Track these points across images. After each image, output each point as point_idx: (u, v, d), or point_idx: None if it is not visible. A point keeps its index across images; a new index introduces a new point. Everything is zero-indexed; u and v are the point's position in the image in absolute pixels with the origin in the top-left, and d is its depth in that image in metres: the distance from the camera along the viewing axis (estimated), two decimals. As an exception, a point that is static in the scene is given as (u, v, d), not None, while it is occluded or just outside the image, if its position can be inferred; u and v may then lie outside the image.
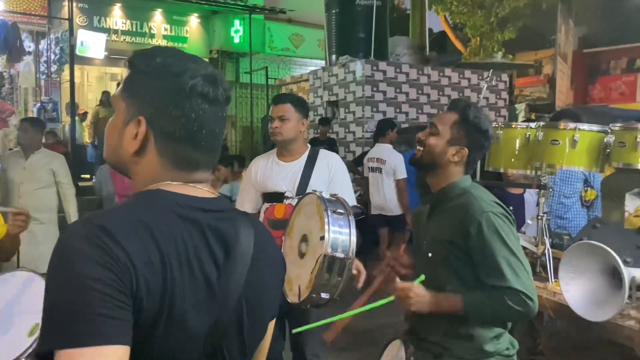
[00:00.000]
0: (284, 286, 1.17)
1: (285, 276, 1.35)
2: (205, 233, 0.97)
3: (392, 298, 1.97)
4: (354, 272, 2.43)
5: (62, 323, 0.83)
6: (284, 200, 2.80)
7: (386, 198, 6.15)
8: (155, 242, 0.89)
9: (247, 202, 2.99)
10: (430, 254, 1.97)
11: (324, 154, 2.93)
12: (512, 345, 1.99)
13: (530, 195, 4.15)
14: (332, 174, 2.84)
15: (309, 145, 2.97)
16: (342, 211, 2.33)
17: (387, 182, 6.10)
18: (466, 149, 1.95)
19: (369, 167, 6.34)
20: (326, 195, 2.42)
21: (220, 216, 1.01)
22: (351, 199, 2.84)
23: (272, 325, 1.18)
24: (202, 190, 1.02)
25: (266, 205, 2.86)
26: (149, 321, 0.88)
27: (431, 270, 1.97)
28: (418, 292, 1.90)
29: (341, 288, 2.32)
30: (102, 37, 12.22)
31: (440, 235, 1.93)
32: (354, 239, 2.29)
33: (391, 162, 6.06)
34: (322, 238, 2.26)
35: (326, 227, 2.29)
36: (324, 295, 2.31)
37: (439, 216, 2.00)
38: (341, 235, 2.28)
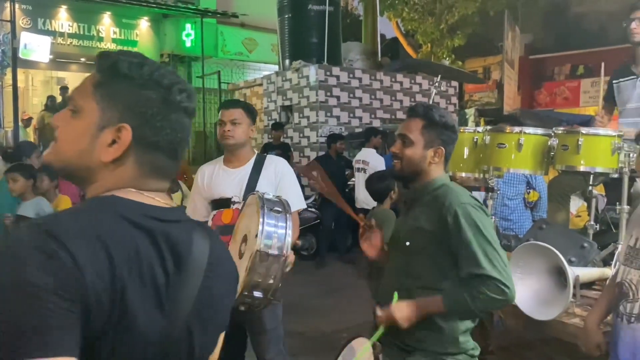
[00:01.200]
0: None
1: None
2: (158, 242, 0.95)
3: (382, 331, 1.96)
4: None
5: (6, 336, 0.78)
6: (231, 206, 2.78)
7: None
8: (105, 249, 0.86)
9: (192, 210, 2.96)
10: (408, 243, 2.00)
11: (271, 160, 2.94)
12: (475, 346, 2.04)
13: (475, 198, 4.24)
14: (279, 179, 2.84)
15: (256, 152, 2.98)
16: (279, 209, 2.32)
17: None
18: (442, 148, 2.01)
19: (356, 168, 7.39)
20: (268, 195, 2.41)
21: (176, 226, 1.00)
22: (299, 203, 2.87)
23: (221, 337, 1.16)
24: (158, 200, 1.01)
25: (214, 212, 2.83)
26: (97, 328, 0.85)
27: (408, 259, 2.00)
28: (400, 310, 1.92)
29: (275, 287, 2.29)
30: (47, 39, 11.79)
31: (419, 225, 1.97)
32: (289, 238, 2.28)
33: (373, 163, 6.99)
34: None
35: (260, 223, 2.28)
36: (257, 293, 2.28)
37: (418, 209, 2.03)
38: (276, 232, 2.27)
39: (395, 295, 1.96)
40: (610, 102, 3.69)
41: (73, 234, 0.85)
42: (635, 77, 3.44)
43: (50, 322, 0.79)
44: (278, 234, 2.27)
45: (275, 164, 2.90)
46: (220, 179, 2.87)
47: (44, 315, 0.79)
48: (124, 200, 0.96)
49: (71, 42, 13.29)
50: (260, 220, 2.28)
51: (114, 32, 13.90)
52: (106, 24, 13.76)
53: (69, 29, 13.22)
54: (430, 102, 5.11)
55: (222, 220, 2.76)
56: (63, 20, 13.15)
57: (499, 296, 1.81)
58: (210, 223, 2.79)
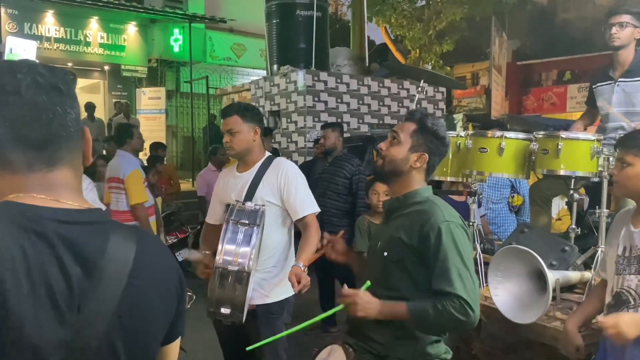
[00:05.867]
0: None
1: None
2: (56, 247, 0.87)
3: (341, 307, 1.95)
4: (294, 279, 2.39)
5: None
6: None
7: None
8: None
9: (209, 213, 2.99)
10: (385, 253, 2.00)
11: (276, 163, 2.83)
12: (448, 350, 2.04)
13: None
14: (281, 182, 2.74)
15: (267, 153, 2.88)
16: (246, 222, 2.28)
17: None
18: (426, 155, 2.01)
19: None
20: (249, 205, 2.36)
21: (82, 228, 0.92)
22: (309, 208, 2.75)
23: (171, 349, 1.08)
24: (63, 202, 0.93)
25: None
26: None
27: (385, 269, 2.00)
28: (365, 299, 1.90)
29: (241, 302, 2.25)
30: (33, 44, 11.67)
31: (398, 236, 1.96)
32: (254, 251, 2.24)
33: None
34: None
35: (221, 239, 2.24)
36: (223, 310, 2.26)
37: (399, 219, 2.02)
38: (238, 247, 2.23)
39: (368, 283, 1.95)
40: (592, 106, 3.70)
41: None
42: (612, 81, 3.45)
43: None
44: (240, 249, 2.23)
45: (279, 168, 2.79)
46: (229, 183, 2.85)
47: None
48: (15, 204, 0.89)
49: (58, 47, 13.20)
50: (222, 235, 2.25)
51: (102, 37, 13.83)
52: (93, 29, 13.68)
53: (55, 34, 13.13)
54: (415, 107, 5.14)
55: None
56: (50, 24, 13.07)
57: (462, 316, 1.80)
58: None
